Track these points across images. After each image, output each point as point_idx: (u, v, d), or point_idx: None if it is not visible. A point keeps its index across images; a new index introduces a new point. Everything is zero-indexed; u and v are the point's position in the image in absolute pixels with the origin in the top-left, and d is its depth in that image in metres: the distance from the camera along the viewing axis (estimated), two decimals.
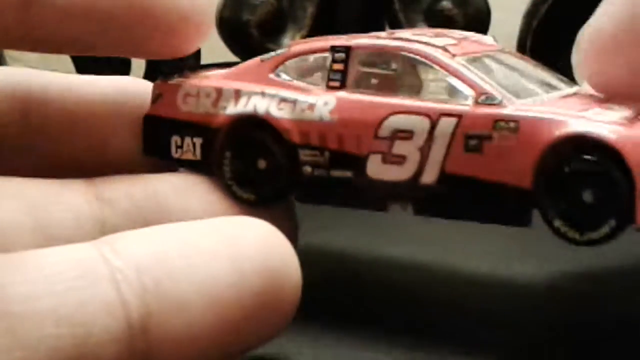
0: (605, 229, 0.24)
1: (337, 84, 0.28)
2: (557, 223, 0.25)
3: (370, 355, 0.26)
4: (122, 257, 0.20)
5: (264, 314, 0.22)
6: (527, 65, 0.30)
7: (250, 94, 0.29)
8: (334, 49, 0.29)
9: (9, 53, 0.64)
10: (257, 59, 0.30)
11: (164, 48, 0.27)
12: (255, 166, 0.28)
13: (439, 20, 0.49)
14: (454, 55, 0.28)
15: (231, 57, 0.52)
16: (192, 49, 0.27)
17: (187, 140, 0.29)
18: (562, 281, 0.34)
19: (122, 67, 0.55)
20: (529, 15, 0.49)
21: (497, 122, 0.26)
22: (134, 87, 0.30)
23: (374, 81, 0.28)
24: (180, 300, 0.20)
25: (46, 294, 0.19)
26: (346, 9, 0.51)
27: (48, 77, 0.29)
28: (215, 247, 0.22)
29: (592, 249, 0.38)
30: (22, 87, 0.28)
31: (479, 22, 0.49)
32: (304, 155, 0.28)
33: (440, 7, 0.50)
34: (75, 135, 0.29)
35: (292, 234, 0.27)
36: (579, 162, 0.24)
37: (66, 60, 0.56)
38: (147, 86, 0.30)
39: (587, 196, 0.24)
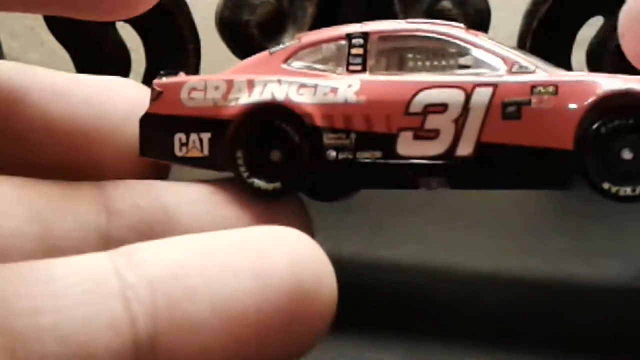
0: None
1: (358, 67, 0.28)
2: (606, 185, 0.25)
3: (372, 355, 0.26)
4: (137, 271, 0.19)
5: (290, 334, 0.20)
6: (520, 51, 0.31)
7: (265, 83, 0.28)
8: (350, 36, 0.29)
9: (9, 54, 0.64)
10: (265, 52, 0.30)
11: (114, 7, 0.24)
12: (274, 155, 0.28)
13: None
14: (476, 34, 0.28)
15: (231, 57, 0.52)
16: (145, 7, 0.25)
17: (193, 136, 0.28)
18: (562, 281, 0.34)
19: (122, 66, 0.55)
20: (529, 15, 0.49)
21: (535, 87, 0.26)
22: (121, 88, 0.29)
23: (395, 64, 0.28)
24: (193, 320, 0.19)
25: (50, 309, 0.18)
26: (346, 9, 0.51)
27: (33, 74, 0.28)
28: (238, 262, 0.20)
29: (595, 247, 0.38)
30: (6, 84, 0.27)
31: (479, 22, 0.49)
32: (328, 139, 0.27)
33: (440, 7, 0.50)
34: (56, 135, 0.28)
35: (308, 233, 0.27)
36: (628, 117, 0.25)
37: (66, 59, 0.57)
38: (134, 86, 0.29)
39: (630, 152, 0.25)
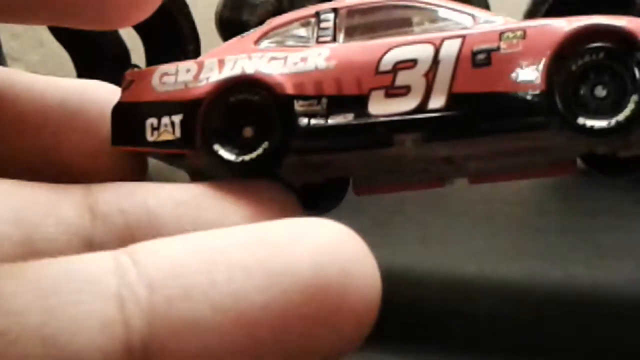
0: (631, 106, 0.24)
1: (327, 38, 0.28)
2: (581, 120, 0.24)
3: (371, 355, 0.26)
4: (139, 269, 0.19)
5: (313, 335, 0.19)
6: None
7: (235, 60, 0.28)
8: (319, 14, 0.29)
9: (9, 54, 0.64)
10: (236, 37, 0.30)
11: (114, 17, 0.24)
12: (247, 128, 0.27)
13: None
14: None
15: None
16: (143, 17, 0.25)
17: (165, 120, 0.28)
18: (564, 281, 0.34)
19: (122, 67, 0.55)
20: (529, 15, 0.49)
21: (503, 33, 0.26)
22: (94, 90, 0.29)
23: (364, 35, 0.28)
24: (193, 320, 0.18)
25: (36, 309, 0.17)
26: None
27: (7, 75, 0.28)
28: (250, 258, 0.19)
29: (597, 248, 0.38)
30: None
31: None
32: (299, 106, 0.27)
33: None
34: (28, 134, 0.28)
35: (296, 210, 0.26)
36: (598, 51, 0.25)
37: (66, 59, 0.57)
38: (108, 88, 0.29)
39: (603, 87, 0.25)
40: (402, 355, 0.27)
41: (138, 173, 0.29)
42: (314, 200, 0.31)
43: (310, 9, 0.29)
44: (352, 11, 0.29)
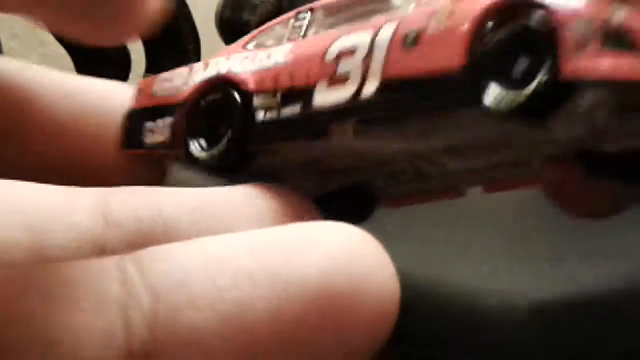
0: (533, 84, 0.23)
1: (297, 36, 0.29)
2: (491, 95, 0.23)
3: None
4: (144, 276, 0.18)
5: (319, 351, 0.18)
6: None
7: (217, 61, 0.29)
8: (298, 14, 0.29)
9: (9, 54, 0.64)
10: (230, 45, 0.31)
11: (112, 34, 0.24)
12: (218, 125, 0.28)
13: None
14: None
15: None
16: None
17: (159, 122, 0.29)
18: (562, 285, 0.34)
19: (122, 66, 0.55)
20: None
21: (435, 12, 0.25)
22: (123, 92, 0.29)
23: (328, 29, 0.28)
24: (196, 330, 0.18)
25: (36, 316, 0.17)
26: None
27: (41, 73, 0.28)
28: (257, 265, 0.18)
29: (596, 251, 0.38)
30: (16, 82, 0.27)
31: None
32: (258, 100, 0.27)
33: None
34: (65, 136, 0.28)
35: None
36: (516, 25, 0.24)
37: (66, 59, 0.57)
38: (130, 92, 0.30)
39: (520, 64, 0.23)
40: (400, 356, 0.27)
41: (156, 178, 0.29)
42: (339, 215, 0.31)
43: (294, 11, 0.30)
44: (326, 9, 0.29)
